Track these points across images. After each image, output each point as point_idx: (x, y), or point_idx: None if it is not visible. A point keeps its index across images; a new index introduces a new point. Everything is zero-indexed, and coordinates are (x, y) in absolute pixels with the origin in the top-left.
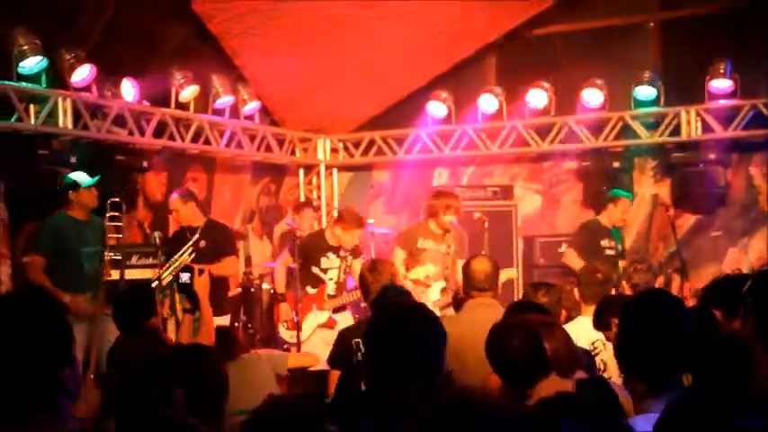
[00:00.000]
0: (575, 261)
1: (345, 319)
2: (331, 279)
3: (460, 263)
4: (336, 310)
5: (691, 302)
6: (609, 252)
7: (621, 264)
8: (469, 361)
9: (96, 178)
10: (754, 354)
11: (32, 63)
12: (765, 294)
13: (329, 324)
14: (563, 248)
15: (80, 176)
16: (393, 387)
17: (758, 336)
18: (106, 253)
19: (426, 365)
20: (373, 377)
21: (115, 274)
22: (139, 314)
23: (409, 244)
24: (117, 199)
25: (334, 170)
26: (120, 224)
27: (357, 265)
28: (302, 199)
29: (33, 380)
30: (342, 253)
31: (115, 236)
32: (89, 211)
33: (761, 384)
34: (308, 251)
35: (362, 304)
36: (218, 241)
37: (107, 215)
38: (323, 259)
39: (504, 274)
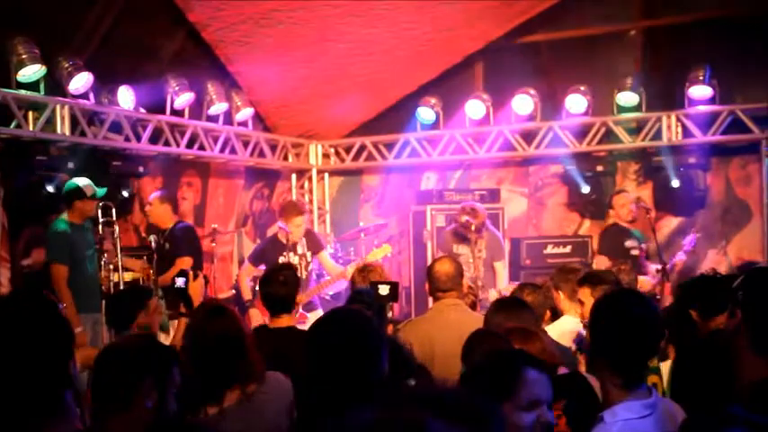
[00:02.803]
0: (605, 265)
1: (316, 317)
2: None
3: (499, 265)
4: (307, 308)
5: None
6: (635, 252)
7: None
8: (438, 358)
9: (104, 190)
10: (736, 352)
11: (31, 71)
12: (757, 290)
13: (299, 320)
14: (549, 249)
15: (84, 182)
16: (336, 391)
17: (746, 330)
18: (104, 260)
19: (363, 369)
20: (313, 384)
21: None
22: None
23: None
24: (110, 203)
25: (326, 175)
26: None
27: (325, 258)
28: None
29: (45, 377)
30: (300, 250)
31: (111, 239)
32: (86, 217)
33: (744, 382)
34: (266, 255)
35: (327, 297)
36: (175, 243)
37: (100, 219)
38: (280, 259)
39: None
